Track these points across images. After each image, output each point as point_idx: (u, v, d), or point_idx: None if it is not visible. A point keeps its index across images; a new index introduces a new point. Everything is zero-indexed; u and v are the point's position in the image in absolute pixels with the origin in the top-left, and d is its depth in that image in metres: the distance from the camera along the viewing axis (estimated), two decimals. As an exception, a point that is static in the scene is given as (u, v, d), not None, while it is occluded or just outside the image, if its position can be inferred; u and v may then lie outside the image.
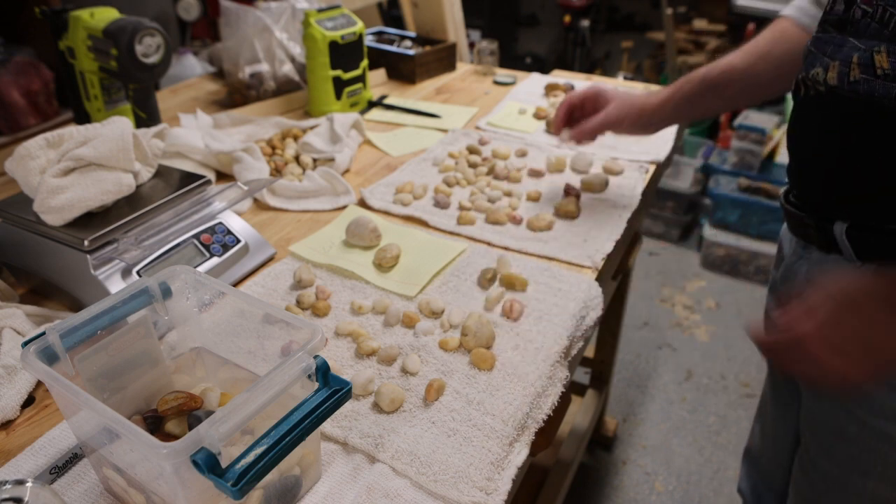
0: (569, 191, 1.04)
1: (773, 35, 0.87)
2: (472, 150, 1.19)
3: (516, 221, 0.98)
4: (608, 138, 1.25)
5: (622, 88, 0.99)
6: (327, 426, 0.64)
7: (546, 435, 0.69)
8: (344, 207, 1.04)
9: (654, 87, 1.51)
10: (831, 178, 0.71)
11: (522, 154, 1.19)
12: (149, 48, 1.02)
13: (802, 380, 0.69)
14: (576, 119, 1.02)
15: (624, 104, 0.96)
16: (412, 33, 1.75)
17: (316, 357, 0.51)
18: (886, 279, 0.60)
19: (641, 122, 0.96)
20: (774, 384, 1.00)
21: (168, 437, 0.55)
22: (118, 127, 0.82)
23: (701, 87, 0.91)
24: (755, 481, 1.10)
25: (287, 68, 1.41)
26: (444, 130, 1.31)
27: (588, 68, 3.82)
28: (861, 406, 0.74)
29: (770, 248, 2.50)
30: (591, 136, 0.99)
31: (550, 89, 1.48)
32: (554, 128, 1.03)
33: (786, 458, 0.97)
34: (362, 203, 1.05)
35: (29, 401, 0.67)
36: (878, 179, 0.67)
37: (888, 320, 0.59)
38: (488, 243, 0.94)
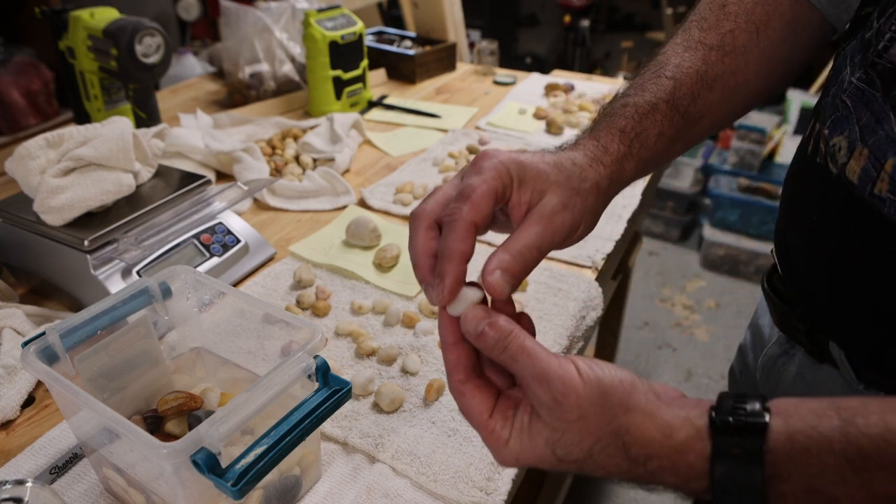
0: (569, 191, 1.04)
1: (754, 11, 0.57)
2: (472, 150, 1.19)
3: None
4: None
5: (523, 151, 0.47)
6: (327, 426, 0.64)
7: (546, 435, 0.69)
8: (344, 207, 1.04)
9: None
10: (824, 284, 0.54)
11: (522, 154, 1.19)
12: (149, 48, 1.02)
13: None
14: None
15: (572, 189, 0.46)
16: (412, 33, 1.75)
17: (316, 357, 0.51)
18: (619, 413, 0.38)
19: (598, 210, 0.49)
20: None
21: (168, 437, 0.55)
22: (118, 127, 0.82)
23: (670, 127, 0.53)
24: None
25: (287, 68, 1.41)
26: (444, 130, 1.31)
27: (588, 68, 3.82)
28: None
29: (770, 248, 2.49)
30: (531, 265, 0.44)
31: (550, 89, 1.48)
32: (420, 273, 0.46)
33: None
34: (362, 203, 1.05)
35: (29, 401, 0.67)
36: (882, 309, 0.49)
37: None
38: (488, 243, 0.94)
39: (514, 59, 3.97)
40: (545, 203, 0.45)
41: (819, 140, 0.52)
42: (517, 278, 0.43)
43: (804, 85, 2.78)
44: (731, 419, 0.37)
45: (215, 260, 0.84)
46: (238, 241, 0.87)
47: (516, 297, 0.82)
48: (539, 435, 0.39)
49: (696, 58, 0.55)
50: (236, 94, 1.42)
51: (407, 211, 1.01)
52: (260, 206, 1.05)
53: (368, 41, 1.61)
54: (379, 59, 1.59)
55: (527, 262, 0.44)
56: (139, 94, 1.08)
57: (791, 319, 0.60)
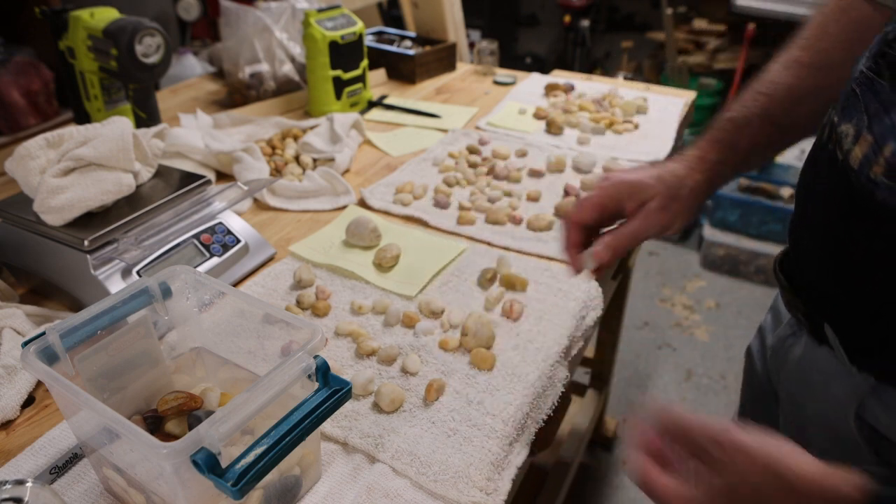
0: (569, 191, 1.04)
1: (837, 26, 0.62)
2: (472, 150, 1.19)
3: (516, 221, 0.98)
4: (608, 139, 1.26)
5: (644, 168, 0.65)
6: (327, 426, 0.64)
7: (546, 435, 0.69)
8: (344, 207, 1.04)
9: (655, 88, 1.51)
10: (822, 267, 0.57)
11: (522, 154, 1.19)
12: (149, 48, 1.02)
13: None
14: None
15: (671, 196, 0.63)
16: (412, 33, 1.75)
17: (316, 357, 0.51)
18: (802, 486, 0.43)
19: (693, 208, 0.64)
20: (754, 397, 0.88)
21: (168, 437, 0.55)
22: (118, 127, 0.82)
23: (762, 136, 0.64)
24: None
25: (287, 68, 1.41)
26: (444, 130, 1.31)
27: (588, 68, 3.82)
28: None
29: (770, 248, 2.50)
30: (629, 247, 0.64)
31: (550, 89, 1.48)
32: (569, 256, 0.67)
33: None
34: (362, 203, 1.05)
35: (29, 401, 0.67)
36: (882, 294, 0.52)
37: None
38: (488, 243, 0.94)
39: (514, 59, 3.97)
40: (647, 206, 0.62)
41: (831, 127, 0.54)
42: (616, 253, 0.63)
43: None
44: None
45: (215, 260, 0.84)
46: (238, 241, 0.87)
47: (516, 296, 0.82)
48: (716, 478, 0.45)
49: (790, 75, 0.64)
50: (236, 94, 1.42)
51: (407, 211, 1.01)
52: (260, 206, 1.05)
53: (368, 41, 1.61)
54: (379, 59, 1.59)
55: (622, 244, 0.63)
56: (139, 94, 1.08)
57: (795, 301, 0.64)
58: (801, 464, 0.43)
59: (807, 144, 0.64)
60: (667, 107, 1.40)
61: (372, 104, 1.42)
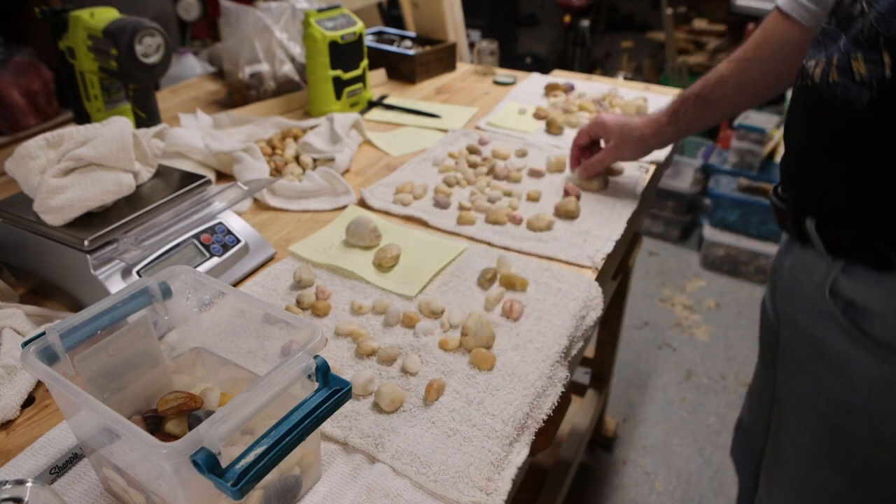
0: (569, 191, 1.04)
1: (763, 33, 0.88)
2: (472, 150, 1.19)
3: (516, 221, 0.98)
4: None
5: (623, 120, 1.02)
6: (327, 426, 0.64)
7: (546, 435, 0.69)
8: (344, 207, 1.04)
9: (655, 88, 1.52)
10: (805, 172, 0.75)
11: (522, 154, 1.19)
12: (149, 48, 1.02)
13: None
14: (586, 151, 1.10)
15: (624, 138, 1.01)
16: (412, 33, 1.75)
17: (316, 357, 0.51)
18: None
19: (640, 149, 1.03)
20: (763, 363, 1.05)
21: (168, 437, 0.55)
22: (118, 127, 0.82)
23: (697, 107, 0.95)
24: (743, 448, 1.16)
25: (287, 68, 1.41)
26: (444, 130, 1.31)
27: (588, 68, 3.82)
28: (820, 397, 0.79)
29: (770, 248, 2.50)
30: (597, 170, 1.06)
31: (550, 89, 1.48)
32: (571, 166, 1.11)
33: (763, 429, 1.02)
34: (362, 203, 1.05)
35: (29, 401, 0.67)
36: (843, 180, 0.69)
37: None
38: (488, 243, 0.94)
39: (514, 59, 3.97)
40: (608, 143, 1.03)
41: (802, 69, 0.73)
42: (588, 172, 1.06)
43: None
44: None
45: (215, 260, 0.84)
46: (238, 241, 0.87)
47: (516, 296, 0.82)
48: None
49: (720, 68, 0.93)
50: (236, 94, 1.42)
51: (407, 211, 1.01)
52: (260, 206, 1.05)
53: (368, 41, 1.61)
54: (379, 59, 1.59)
55: (592, 167, 1.05)
56: (139, 94, 1.08)
57: (784, 213, 0.80)
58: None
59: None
60: (667, 107, 1.40)
61: (372, 104, 1.42)
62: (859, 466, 0.78)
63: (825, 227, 0.73)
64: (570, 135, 1.28)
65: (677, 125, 0.97)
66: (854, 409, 0.75)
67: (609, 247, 0.92)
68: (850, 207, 0.70)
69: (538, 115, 1.35)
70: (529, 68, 2.98)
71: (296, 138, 1.22)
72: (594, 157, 1.05)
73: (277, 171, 1.10)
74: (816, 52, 0.70)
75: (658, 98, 1.44)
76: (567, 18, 3.76)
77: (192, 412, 0.55)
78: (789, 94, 0.93)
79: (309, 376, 0.51)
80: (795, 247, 0.82)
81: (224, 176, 1.11)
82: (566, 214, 0.99)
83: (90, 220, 0.79)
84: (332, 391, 0.51)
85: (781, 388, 0.88)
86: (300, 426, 0.48)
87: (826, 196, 0.72)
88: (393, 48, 1.60)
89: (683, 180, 2.77)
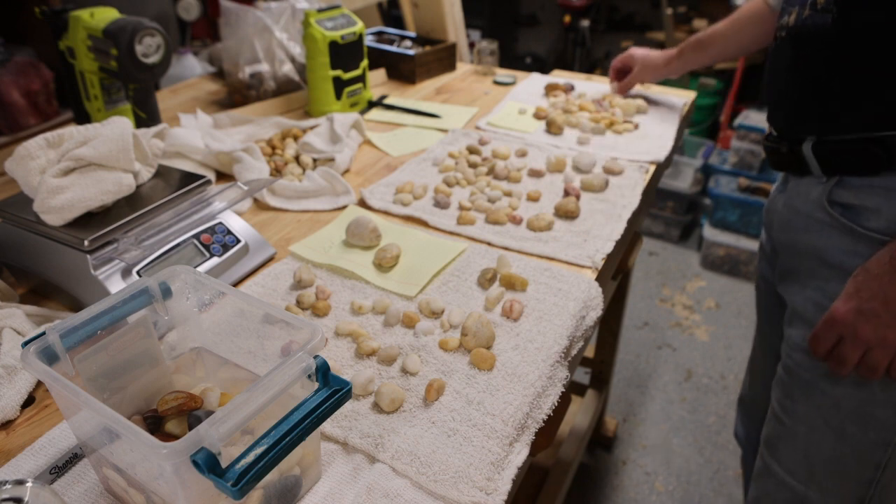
0: (569, 191, 1.04)
1: (749, 11, 1.14)
2: (472, 150, 1.19)
3: (516, 221, 0.98)
4: (608, 139, 1.26)
5: (646, 52, 1.39)
6: (327, 426, 0.64)
7: (546, 435, 0.69)
8: (344, 207, 1.04)
9: (655, 88, 1.52)
10: (797, 105, 0.87)
11: (522, 154, 1.19)
12: (149, 48, 1.02)
13: (847, 364, 0.81)
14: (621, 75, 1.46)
15: (645, 65, 1.38)
16: (412, 33, 1.75)
17: (316, 357, 0.51)
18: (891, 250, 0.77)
19: (656, 75, 1.38)
20: (764, 341, 1.15)
21: (168, 437, 0.55)
22: (118, 127, 0.82)
23: (696, 50, 1.28)
24: (747, 426, 1.25)
25: (287, 68, 1.41)
26: (444, 130, 1.31)
27: (588, 68, 3.82)
28: (826, 297, 0.86)
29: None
30: (628, 88, 1.44)
31: (550, 89, 1.48)
32: (610, 81, 1.48)
33: (765, 396, 1.09)
34: (362, 203, 1.05)
35: (29, 401, 0.67)
36: (830, 98, 0.82)
37: None
38: (488, 243, 0.94)
39: (514, 59, 3.97)
40: (634, 70, 1.41)
41: (776, 31, 0.90)
42: (623, 90, 1.45)
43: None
44: None
45: (215, 260, 0.84)
46: (238, 241, 0.87)
47: (516, 296, 0.82)
48: None
49: (719, 24, 1.22)
50: (236, 94, 1.42)
51: (407, 211, 1.01)
52: (260, 206, 1.05)
53: (368, 41, 1.61)
54: (379, 59, 1.59)
55: (626, 86, 1.44)
56: (139, 94, 1.08)
57: (779, 150, 0.92)
58: None
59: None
60: (666, 107, 1.40)
61: (372, 104, 1.42)
62: None
63: (821, 146, 0.84)
64: (570, 135, 1.28)
65: (682, 60, 1.31)
66: None
67: (609, 247, 0.92)
68: (843, 117, 0.81)
69: (538, 115, 1.35)
70: (529, 68, 2.98)
71: (296, 138, 1.22)
72: (624, 80, 1.42)
73: (277, 171, 1.10)
74: (786, 10, 0.87)
75: (658, 98, 1.44)
76: (567, 18, 3.76)
77: (192, 412, 0.55)
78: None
79: (309, 376, 0.51)
80: (790, 183, 0.94)
81: (224, 176, 1.11)
82: (566, 214, 0.99)
83: (90, 220, 0.79)
84: (332, 391, 0.51)
85: (788, 309, 0.95)
86: (300, 426, 0.48)
87: (822, 115, 0.83)
88: (393, 48, 1.60)
89: (683, 180, 2.77)
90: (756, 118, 2.64)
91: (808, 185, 0.89)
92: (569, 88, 1.49)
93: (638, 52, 1.39)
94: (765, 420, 1.07)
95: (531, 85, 1.55)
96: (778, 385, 0.98)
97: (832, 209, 0.85)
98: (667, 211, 2.80)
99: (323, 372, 0.51)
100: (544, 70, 2.72)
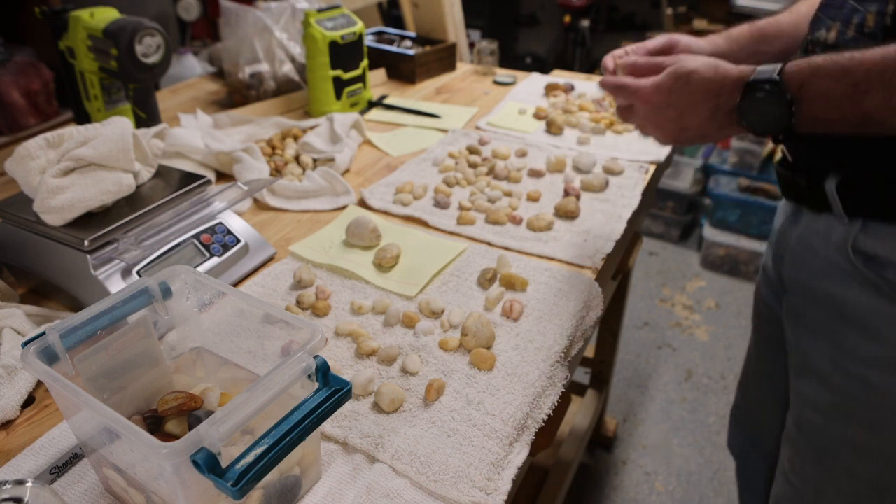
0: (569, 191, 1.04)
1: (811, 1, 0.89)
2: (472, 150, 1.19)
3: (516, 221, 0.98)
4: (608, 139, 1.26)
5: (691, 40, 0.97)
6: (327, 426, 0.64)
7: (546, 435, 0.69)
8: (344, 207, 1.04)
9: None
10: (821, 138, 0.76)
11: (522, 154, 1.19)
12: (149, 48, 1.02)
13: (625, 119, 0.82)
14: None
15: (693, 43, 0.97)
16: (412, 33, 1.75)
17: (316, 357, 0.51)
18: (713, 65, 0.72)
19: (694, 47, 0.96)
20: (760, 357, 1.08)
21: (168, 437, 0.55)
22: (118, 127, 0.82)
23: (749, 32, 0.95)
24: (742, 442, 1.18)
25: (287, 68, 1.41)
26: (444, 130, 1.31)
27: (588, 68, 3.82)
28: (844, 355, 0.79)
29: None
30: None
31: (550, 89, 1.48)
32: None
33: (773, 423, 1.03)
34: (362, 203, 1.05)
35: (29, 401, 0.67)
36: (862, 142, 0.72)
37: (700, 105, 0.72)
38: (488, 243, 0.94)
39: (514, 59, 3.97)
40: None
41: (807, 45, 0.77)
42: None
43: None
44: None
45: (215, 260, 0.84)
46: (238, 241, 0.87)
47: (516, 296, 0.82)
48: (668, 69, 0.74)
49: (780, 14, 0.95)
50: (236, 94, 1.42)
51: (407, 211, 1.01)
52: (260, 206, 1.05)
53: (368, 41, 1.61)
54: (379, 59, 1.59)
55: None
56: (139, 94, 1.08)
57: (794, 182, 0.82)
58: (723, 61, 0.73)
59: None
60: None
61: (372, 104, 1.42)
62: (887, 418, 0.78)
63: (845, 187, 0.74)
64: (570, 135, 1.28)
65: (737, 51, 0.95)
66: (883, 362, 0.76)
67: (609, 247, 0.92)
68: (875, 158, 0.71)
69: (538, 115, 1.35)
70: (529, 68, 2.98)
71: (296, 138, 1.22)
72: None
73: (277, 171, 1.10)
74: (823, 22, 0.75)
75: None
76: (567, 18, 3.76)
77: (192, 412, 0.55)
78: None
79: (309, 376, 0.51)
80: (804, 215, 0.83)
81: (224, 176, 1.11)
82: (566, 214, 0.99)
83: (90, 220, 0.79)
84: (332, 391, 0.51)
85: (797, 354, 0.88)
86: (300, 426, 0.48)
87: (850, 152, 0.73)
88: (393, 48, 1.60)
89: (683, 180, 2.77)
90: (756, 118, 2.64)
91: (828, 224, 0.78)
92: (569, 88, 1.49)
93: (682, 39, 0.96)
94: (761, 439, 1.04)
95: (531, 85, 1.55)
96: (788, 442, 0.91)
97: (856, 258, 0.75)
98: (667, 211, 2.80)
99: (323, 372, 0.51)
100: (544, 70, 2.72)
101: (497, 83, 1.59)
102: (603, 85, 0.81)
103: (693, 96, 0.72)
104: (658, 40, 0.96)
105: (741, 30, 0.96)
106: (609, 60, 0.88)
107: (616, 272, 1.12)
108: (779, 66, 0.67)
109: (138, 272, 0.78)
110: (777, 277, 0.93)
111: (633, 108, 0.79)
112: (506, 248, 0.93)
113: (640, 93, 0.76)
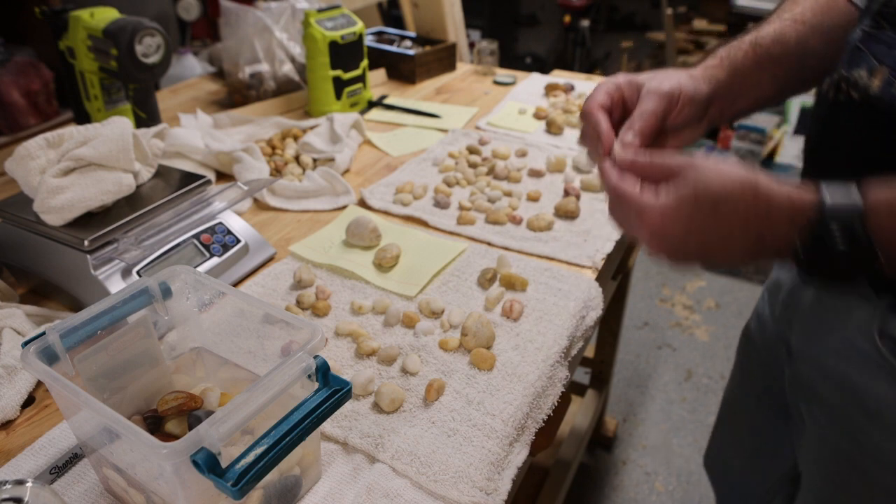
0: (569, 191, 1.04)
1: (819, 4, 0.71)
2: (472, 150, 1.19)
3: (516, 221, 0.98)
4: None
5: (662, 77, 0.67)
6: (327, 426, 0.64)
7: (546, 435, 0.69)
8: (344, 207, 1.04)
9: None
10: None
11: (522, 154, 1.19)
12: (149, 48, 1.02)
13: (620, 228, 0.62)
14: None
15: (666, 77, 0.66)
16: (412, 33, 1.75)
17: (316, 357, 0.51)
18: (751, 189, 0.51)
19: (697, 96, 0.66)
20: (744, 384, 0.96)
21: (168, 437, 0.55)
22: (118, 127, 0.82)
23: (754, 55, 0.69)
24: (728, 496, 1.05)
25: (287, 68, 1.41)
26: (444, 130, 1.31)
27: (588, 68, 3.82)
28: (864, 455, 0.68)
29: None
30: (651, 133, 0.64)
31: (550, 89, 1.48)
32: (597, 147, 0.65)
33: (775, 486, 0.95)
34: (362, 203, 1.05)
35: (29, 401, 0.67)
36: None
37: (734, 240, 0.53)
38: (488, 243, 0.94)
39: (514, 59, 3.97)
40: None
41: (839, 82, 0.62)
42: (650, 136, 0.64)
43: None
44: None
45: (215, 260, 0.84)
46: (238, 241, 0.87)
47: (516, 296, 0.82)
48: (683, 187, 0.52)
49: (774, 25, 0.70)
50: (236, 94, 1.42)
51: (407, 211, 1.01)
52: (260, 206, 1.05)
53: (368, 41, 1.61)
54: (379, 59, 1.59)
55: (651, 124, 0.64)
56: (139, 94, 1.08)
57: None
58: (762, 176, 0.52)
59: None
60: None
61: (372, 104, 1.42)
62: None
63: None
64: (570, 135, 1.28)
65: (734, 70, 0.68)
66: None
67: (609, 247, 0.92)
68: None
69: (538, 116, 1.35)
70: (529, 68, 2.98)
71: (296, 138, 1.22)
72: (636, 114, 0.68)
73: (277, 171, 1.10)
74: (865, 60, 0.59)
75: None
76: (567, 18, 3.77)
77: (192, 412, 0.55)
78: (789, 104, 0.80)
79: (309, 376, 0.51)
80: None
81: (224, 176, 1.11)
82: (566, 214, 0.99)
83: (90, 220, 0.79)
84: (332, 391, 0.51)
85: (803, 437, 0.78)
86: (300, 426, 0.48)
87: None
88: (393, 48, 1.60)
89: (683, 180, 2.77)
90: (756, 118, 2.64)
91: (851, 299, 0.66)
92: (569, 88, 1.49)
93: (685, 89, 0.65)
94: (758, 498, 0.96)
95: (531, 85, 1.55)
96: None
97: (883, 344, 0.63)
98: (667, 211, 2.80)
99: (323, 372, 0.51)
100: (544, 70, 2.72)
101: (497, 83, 1.59)
102: (601, 176, 0.59)
103: (722, 229, 0.52)
104: (652, 103, 0.63)
105: (742, 52, 0.69)
106: (603, 127, 0.63)
107: (616, 272, 1.12)
108: (856, 197, 0.49)
109: (138, 272, 0.78)
110: (779, 338, 0.81)
111: (629, 218, 0.57)
112: (506, 248, 0.93)
113: (645, 216, 0.54)
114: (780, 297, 0.80)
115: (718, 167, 0.52)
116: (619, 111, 0.66)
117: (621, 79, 0.66)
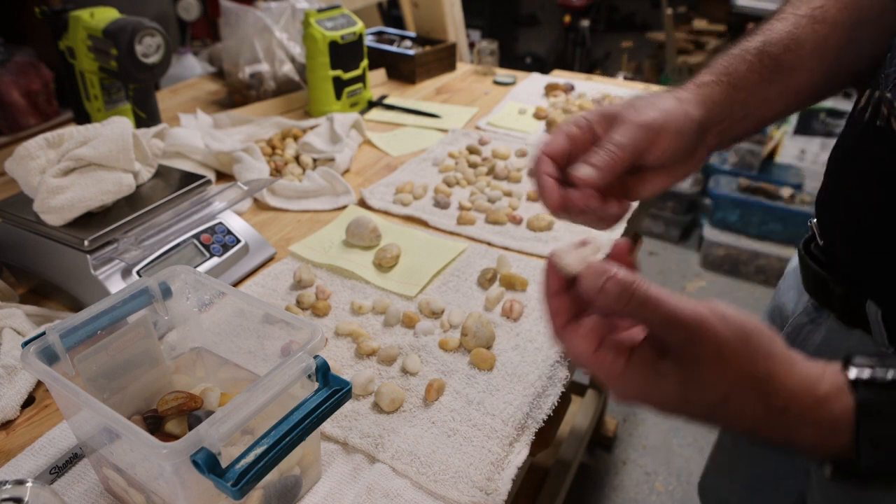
0: (569, 191, 1.04)
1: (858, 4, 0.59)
2: (472, 150, 1.19)
3: (516, 221, 0.98)
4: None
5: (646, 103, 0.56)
6: (327, 426, 0.64)
7: (546, 435, 0.69)
8: (344, 207, 1.04)
9: (655, 88, 1.51)
10: (881, 242, 0.54)
11: (522, 154, 1.19)
12: (149, 48, 1.02)
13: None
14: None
15: (647, 104, 0.54)
16: (412, 33, 1.75)
17: (316, 357, 0.51)
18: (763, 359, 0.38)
19: (686, 126, 0.53)
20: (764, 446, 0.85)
21: (168, 437, 0.55)
22: (118, 127, 0.82)
23: (761, 66, 0.57)
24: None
25: (287, 68, 1.41)
26: (444, 130, 1.31)
27: (588, 68, 3.82)
28: None
29: (770, 249, 2.50)
30: (617, 169, 0.53)
31: (550, 89, 1.48)
32: (547, 200, 0.58)
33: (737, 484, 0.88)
34: (362, 203, 1.05)
35: (29, 401, 0.67)
36: None
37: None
38: (488, 243, 0.94)
39: (514, 59, 3.97)
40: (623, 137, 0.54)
41: (880, 104, 0.53)
42: (612, 174, 0.52)
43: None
44: (872, 375, 0.37)
45: (215, 260, 0.84)
46: (238, 241, 0.87)
47: (516, 296, 0.82)
48: (668, 375, 0.38)
49: (786, 23, 0.58)
50: (236, 94, 1.42)
51: (407, 211, 1.01)
52: (260, 206, 1.05)
53: (368, 41, 1.61)
54: (379, 59, 1.59)
55: (617, 161, 0.53)
56: (139, 94, 1.08)
57: (826, 284, 0.62)
58: (788, 377, 0.38)
59: (807, 145, 0.64)
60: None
61: (372, 104, 1.42)
62: None
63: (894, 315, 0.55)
64: (570, 135, 1.28)
65: (733, 86, 0.56)
66: None
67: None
68: None
69: (538, 115, 1.35)
70: (529, 68, 2.98)
71: (296, 138, 1.22)
72: (601, 148, 0.55)
73: (277, 171, 1.10)
74: (893, 79, 0.51)
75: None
76: (567, 18, 3.77)
77: (192, 412, 0.55)
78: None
79: (309, 376, 0.51)
80: (829, 321, 0.64)
81: (224, 176, 1.11)
82: (566, 214, 0.99)
83: (90, 220, 0.79)
84: (332, 391, 0.51)
85: (811, 477, 0.73)
86: (300, 426, 0.48)
87: None
88: (393, 48, 1.60)
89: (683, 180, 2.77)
90: (756, 118, 2.64)
91: (861, 343, 0.60)
92: (569, 88, 1.49)
93: (668, 126, 0.53)
94: None
95: (531, 85, 1.55)
96: None
97: None
98: (667, 211, 2.80)
99: (323, 372, 0.51)
100: (544, 70, 2.72)
101: (497, 83, 1.59)
102: (555, 333, 0.43)
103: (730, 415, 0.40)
104: (625, 135, 0.53)
105: (746, 64, 0.57)
106: (547, 184, 0.56)
107: (616, 272, 1.12)
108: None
109: (138, 272, 0.78)
110: None
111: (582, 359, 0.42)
112: (506, 248, 0.93)
113: (611, 383, 0.41)
114: (784, 330, 0.72)
115: (731, 355, 0.37)
116: (587, 153, 0.53)
117: (591, 114, 0.55)
